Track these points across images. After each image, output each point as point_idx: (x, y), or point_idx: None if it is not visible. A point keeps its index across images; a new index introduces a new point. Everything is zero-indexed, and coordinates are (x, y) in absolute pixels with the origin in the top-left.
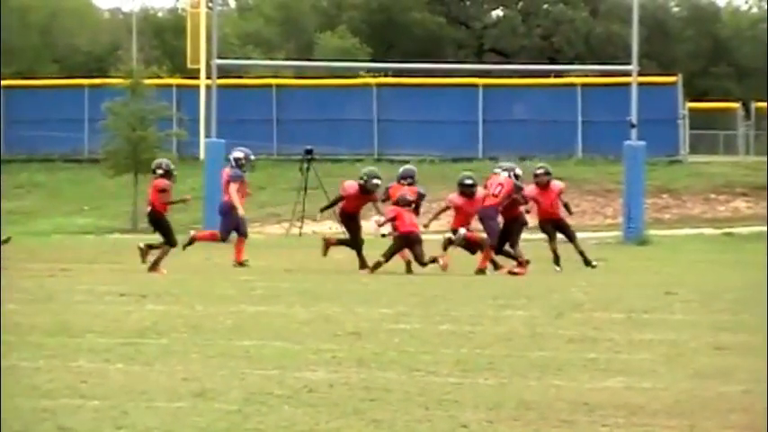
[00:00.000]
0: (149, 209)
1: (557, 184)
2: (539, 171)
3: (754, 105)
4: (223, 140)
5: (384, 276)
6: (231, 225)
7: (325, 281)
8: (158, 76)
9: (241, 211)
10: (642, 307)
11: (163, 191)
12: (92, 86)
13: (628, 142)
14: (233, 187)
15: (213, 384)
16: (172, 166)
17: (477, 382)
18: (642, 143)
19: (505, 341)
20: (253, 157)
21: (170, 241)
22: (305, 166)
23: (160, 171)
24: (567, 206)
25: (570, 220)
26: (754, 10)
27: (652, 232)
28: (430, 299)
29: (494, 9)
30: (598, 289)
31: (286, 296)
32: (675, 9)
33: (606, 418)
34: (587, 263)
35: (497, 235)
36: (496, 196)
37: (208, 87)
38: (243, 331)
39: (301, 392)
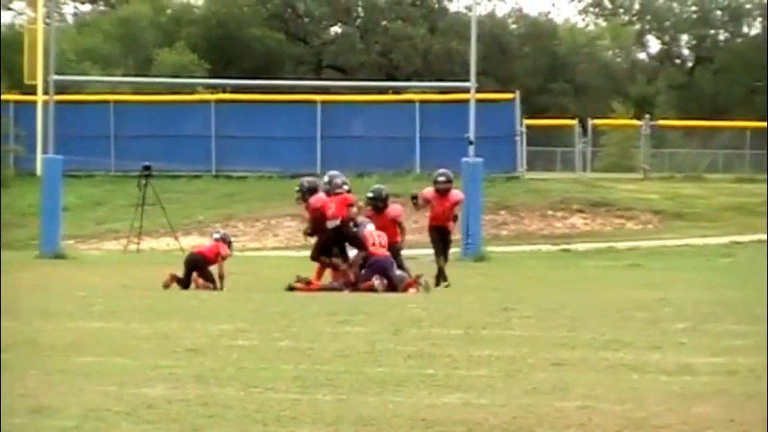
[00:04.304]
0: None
1: (456, 194)
2: (440, 178)
3: (590, 122)
4: (60, 156)
5: (222, 293)
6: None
7: (163, 297)
8: None
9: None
10: (480, 323)
11: (351, 205)
12: None
13: (465, 159)
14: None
15: (50, 401)
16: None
17: (315, 399)
18: (480, 160)
19: (344, 357)
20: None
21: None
22: (143, 182)
23: (346, 187)
24: (456, 219)
25: (408, 236)
26: (591, 27)
27: (490, 248)
28: (269, 315)
29: (332, 25)
30: (436, 305)
31: (124, 313)
32: (513, 26)
33: None
34: (440, 281)
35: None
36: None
37: (45, 103)
38: (81, 348)
39: (140, 409)
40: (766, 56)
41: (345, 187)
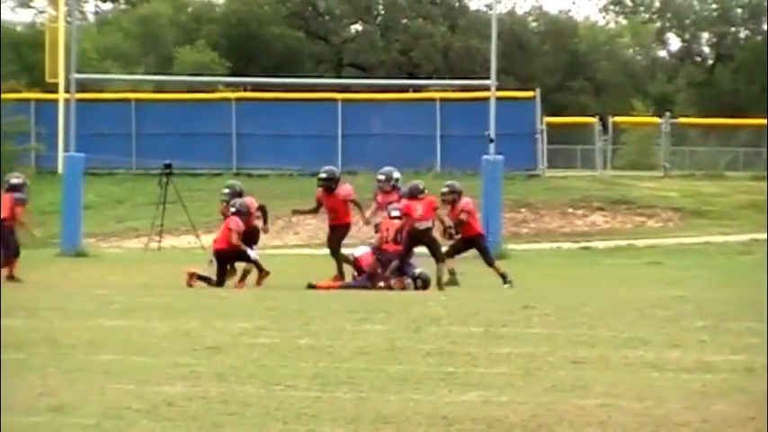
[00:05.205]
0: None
1: (464, 201)
2: (444, 189)
3: (611, 120)
4: (82, 154)
5: (242, 291)
6: None
7: (184, 295)
8: (17, 90)
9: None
10: (500, 321)
11: (436, 209)
12: None
13: (486, 156)
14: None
15: (71, 399)
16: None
17: (335, 396)
18: (500, 157)
19: (364, 355)
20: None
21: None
22: (164, 180)
23: (427, 191)
24: (459, 224)
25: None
26: (611, 25)
27: (510, 246)
28: (288, 313)
29: (353, 23)
30: (456, 303)
31: (144, 311)
32: (533, 24)
33: None
34: (506, 281)
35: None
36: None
37: (66, 101)
38: (101, 346)
39: (160, 407)
40: (767, 56)
41: (426, 191)
